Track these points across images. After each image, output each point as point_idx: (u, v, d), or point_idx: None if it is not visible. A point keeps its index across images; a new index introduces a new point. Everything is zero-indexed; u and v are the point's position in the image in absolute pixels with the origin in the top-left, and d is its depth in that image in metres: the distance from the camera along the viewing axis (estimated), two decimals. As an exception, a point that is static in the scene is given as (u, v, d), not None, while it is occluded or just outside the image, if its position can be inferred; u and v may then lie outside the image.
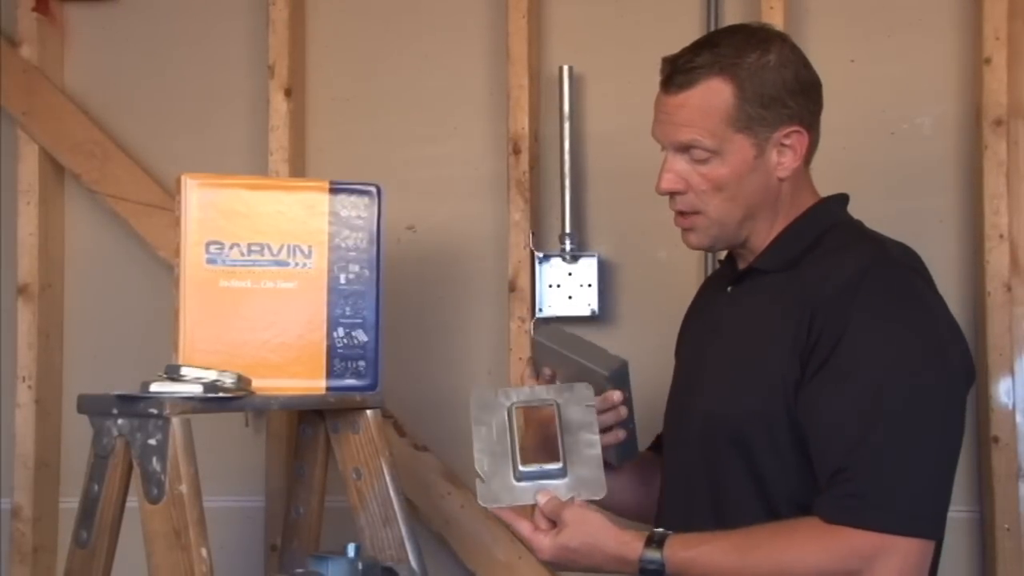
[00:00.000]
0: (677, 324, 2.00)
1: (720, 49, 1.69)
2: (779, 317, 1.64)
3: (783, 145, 1.70)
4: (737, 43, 1.69)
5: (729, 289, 1.81)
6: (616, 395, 1.76)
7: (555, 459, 1.69)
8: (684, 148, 1.71)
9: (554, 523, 1.66)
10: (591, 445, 1.69)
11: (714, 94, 1.68)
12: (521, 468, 1.68)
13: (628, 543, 1.62)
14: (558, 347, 1.79)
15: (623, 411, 1.77)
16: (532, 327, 2.32)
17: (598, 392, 1.74)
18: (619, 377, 1.75)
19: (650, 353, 2.34)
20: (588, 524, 1.64)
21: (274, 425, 2.57)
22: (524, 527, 1.68)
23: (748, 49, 1.68)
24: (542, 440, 1.76)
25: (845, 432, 1.55)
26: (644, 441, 1.94)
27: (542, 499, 1.67)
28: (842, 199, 1.79)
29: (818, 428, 1.58)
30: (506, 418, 1.71)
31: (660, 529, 1.63)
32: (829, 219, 1.75)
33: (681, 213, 1.75)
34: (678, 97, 1.70)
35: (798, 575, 1.55)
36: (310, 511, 2.11)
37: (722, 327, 1.78)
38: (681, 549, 1.59)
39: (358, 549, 1.82)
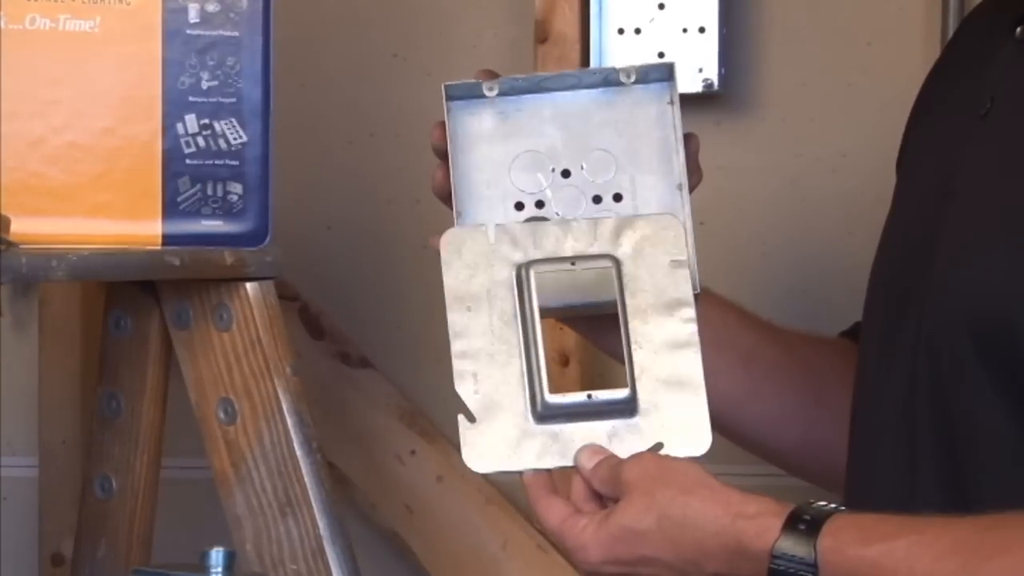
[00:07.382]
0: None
1: None
2: None
3: None
4: None
5: (1019, 31, 1.32)
6: None
7: (612, 383, 1.35)
8: None
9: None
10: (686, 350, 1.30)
11: None
12: (550, 398, 1.28)
13: (749, 516, 1.21)
14: None
15: None
16: None
17: None
18: None
19: (819, 166, 1.83)
20: (671, 482, 1.24)
21: (55, 313, 1.99)
22: (555, 512, 1.25)
23: None
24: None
25: None
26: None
27: (587, 459, 1.28)
28: None
29: None
30: (514, 287, 1.30)
31: (815, 501, 1.20)
32: None
33: None
34: None
35: None
36: (131, 485, 1.58)
37: (994, 111, 1.30)
38: (855, 542, 1.19)
39: (230, 559, 1.35)
